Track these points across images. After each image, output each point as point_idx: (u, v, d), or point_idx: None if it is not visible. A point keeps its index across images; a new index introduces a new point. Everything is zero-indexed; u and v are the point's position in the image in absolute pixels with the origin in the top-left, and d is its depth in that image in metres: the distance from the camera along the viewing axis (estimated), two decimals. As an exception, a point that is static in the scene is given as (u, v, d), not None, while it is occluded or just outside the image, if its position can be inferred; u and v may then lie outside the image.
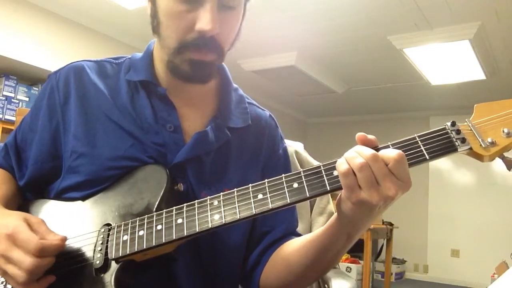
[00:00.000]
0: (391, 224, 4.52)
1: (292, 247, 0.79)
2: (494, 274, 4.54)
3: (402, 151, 0.60)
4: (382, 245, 4.79)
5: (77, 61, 0.85)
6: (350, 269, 4.53)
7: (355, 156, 0.60)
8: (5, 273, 0.66)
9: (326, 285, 1.26)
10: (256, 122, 0.89)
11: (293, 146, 1.44)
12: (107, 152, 0.76)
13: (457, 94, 5.28)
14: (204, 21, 0.70)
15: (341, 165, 0.60)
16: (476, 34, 3.46)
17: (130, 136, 0.77)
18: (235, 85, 0.91)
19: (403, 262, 5.86)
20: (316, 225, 1.39)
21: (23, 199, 0.86)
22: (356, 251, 4.59)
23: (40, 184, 0.83)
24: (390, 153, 0.58)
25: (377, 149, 0.62)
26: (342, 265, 4.49)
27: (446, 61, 4.10)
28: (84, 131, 0.78)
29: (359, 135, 0.63)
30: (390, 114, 6.46)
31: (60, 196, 0.80)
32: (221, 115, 0.84)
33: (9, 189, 0.83)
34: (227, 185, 0.79)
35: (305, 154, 1.45)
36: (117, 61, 0.87)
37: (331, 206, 1.42)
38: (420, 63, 4.16)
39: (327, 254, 0.74)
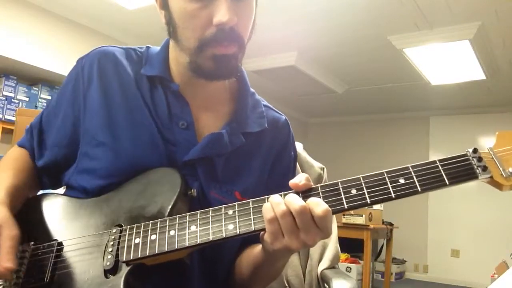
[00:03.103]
0: (391, 224, 4.52)
1: (242, 259, 0.82)
2: (494, 274, 4.54)
3: (422, 174, 0.61)
4: (382, 245, 4.79)
5: (104, 46, 0.85)
6: (350, 269, 4.53)
7: (279, 202, 0.61)
8: None
9: (326, 285, 1.26)
10: (272, 125, 0.89)
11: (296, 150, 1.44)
12: (128, 145, 0.76)
13: (457, 94, 5.28)
14: (221, 13, 0.70)
15: (267, 212, 0.61)
16: (476, 34, 3.46)
17: (149, 130, 0.77)
18: (252, 90, 0.90)
19: (403, 262, 5.86)
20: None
21: (40, 185, 0.87)
22: (356, 251, 4.59)
23: (57, 168, 0.84)
24: (318, 209, 0.59)
25: (309, 194, 0.63)
26: (342, 265, 4.49)
27: (446, 61, 4.10)
28: (107, 120, 0.78)
29: (291, 183, 0.64)
30: (390, 114, 6.46)
31: (71, 181, 0.80)
32: (236, 119, 0.83)
33: (22, 178, 0.83)
34: (238, 187, 0.79)
35: (304, 154, 1.45)
36: (140, 50, 0.87)
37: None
38: (420, 63, 4.16)
39: (262, 271, 0.77)
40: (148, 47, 0.87)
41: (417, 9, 3.22)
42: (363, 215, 3.96)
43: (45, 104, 3.34)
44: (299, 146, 1.51)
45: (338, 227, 1.45)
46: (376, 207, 4.30)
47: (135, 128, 0.77)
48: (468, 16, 3.30)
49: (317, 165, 1.44)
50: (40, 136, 0.86)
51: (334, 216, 1.43)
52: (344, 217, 4.02)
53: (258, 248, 0.75)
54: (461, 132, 5.85)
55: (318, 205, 0.60)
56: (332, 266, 1.33)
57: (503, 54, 3.98)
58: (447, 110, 5.95)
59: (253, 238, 0.69)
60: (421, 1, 3.11)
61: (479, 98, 5.42)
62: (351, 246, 4.51)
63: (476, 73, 4.31)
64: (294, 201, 0.60)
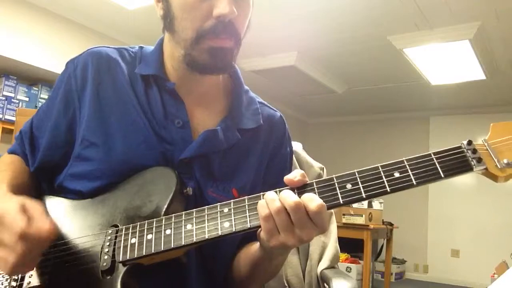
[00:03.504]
0: (391, 224, 4.52)
1: (240, 256, 0.82)
2: (494, 274, 4.54)
3: (417, 167, 0.61)
4: (382, 245, 4.79)
5: (96, 47, 0.84)
6: (350, 269, 4.53)
7: (274, 198, 0.61)
8: None
9: (326, 285, 1.26)
10: (268, 122, 0.89)
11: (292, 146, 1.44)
12: (119, 145, 0.76)
13: (457, 94, 5.28)
14: (221, 5, 0.71)
15: (262, 209, 0.61)
16: (476, 34, 3.46)
17: (143, 130, 0.77)
18: (246, 87, 0.91)
19: (403, 262, 5.86)
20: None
21: (37, 191, 0.85)
22: (356, 251, 4.59)
23: (51, 170, 0.83)
24: (312, 205, 0.59)
25: (304, 190, 0.63)
26: (342, 265, 4.49)
27: (446, 61, 4.10)
28: (98, 120, 0.78)
29: (286, 179, 0.64)
30: (390, 114, 6.46)
31: (65, 183, 0.79)
32: (231, 116, 0.84)
33: (22, 179, 0.82)
34: (236, 184, 0.79)
35: (303, 154, 1.45)
36: (132, 50, 0.86)
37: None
38: (420, 63, 4.15)
39: (260, 268, 0.77)
40: (141, 47, 0.87)
41: (417, 9, 3.22)
42: (363, 215, 3.96)
43: (45, 104, 3.34)
44: (298, 146, 1.51)
45: (338, 227, 1.45)
46: (376, 207, 4.30)
47: (129, 129, 0.77)
48: (468, 16, 3.30)
49: (316, 165, 1.44)
50: (31, 142, 0.85)
51: (334, 216, 1.44)
52: (344, 217, 4.02)
53: (256, 245, 0.75)
54: (461, 132, 5.84)
55: (312, 200, 0.60)
56: (332, 266, 1.33)
57: (503, 54, 3.98)
58: (447, 110, 5.95)
59: (252, 235, 0.69)
60: (421, 1, 3.11)
61: (479, 98, 5.42)
62: (351, 246, 4.50)
63: (476, 73, 4.31)
64: (288, 197, 0.60)
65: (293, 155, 1.43)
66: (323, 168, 1.45)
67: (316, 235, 0.61)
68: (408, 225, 5.72)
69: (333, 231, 1.41)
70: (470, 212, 5.70)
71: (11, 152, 0.88)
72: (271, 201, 0.61)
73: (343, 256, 4.55)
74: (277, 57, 4.29)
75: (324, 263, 1.32)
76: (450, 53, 3.86)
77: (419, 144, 6.08)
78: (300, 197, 0.60)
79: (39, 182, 0.86)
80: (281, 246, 0.62)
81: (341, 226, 3.90)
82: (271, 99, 5.66)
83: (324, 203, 0.60)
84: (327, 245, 1.37)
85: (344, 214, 4.02)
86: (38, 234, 0.63)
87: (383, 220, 4.42)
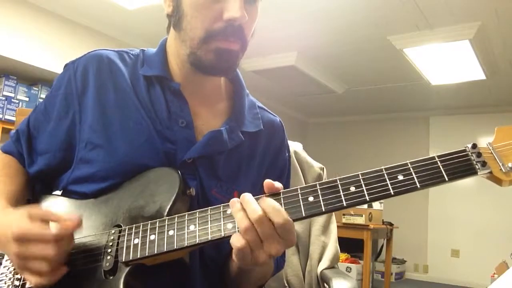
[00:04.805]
0: (391, 224, 4.52)
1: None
2: (494, 274, 4.54)
3: (421, 170, 0.61)
4: (382, 245, 4.79)
5: (97, 50, 0.84)
6: (350, 269, 4.53)
7: (242, 217, 0.60)
8: (26, 270, 0.65)
9: (326, 285, 1.26)
10: (267, 127, 0.90)
11: (292, 146, 1.44)
12: (122, 145, 0.76)
13: (457, 94, 5.28)
14: (233, 9, 0.72)
15: (242, 220, 0.60)
16: (476, 34, 3.46)
17: (146, 130, 0.77)
18: (246, 91, 0.91)
19: (403, 262, 5.86)
20: (315, 225, 1.39)
21: (32, 193, 0.85)
22: (356, 251, 4.59)
23: (50, 174, 0.83)
24: (277, 219, 0.59)
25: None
26: (342, 265, 4.49)
27: (446, 61, 4.10)
28: (101, 123, 0.78)
29: (267, 183, 0.64)
30: (390, 114, 6.46)
31: (70, 187, 0.79)
32: (235, 117, 0.84)
33: (17, 184, 0.82)
34: (239, 187, 0.80)
35: (304, 154, 1.45)
36: (132, 53, 0.86)
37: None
38: (420, 63, 4.15)
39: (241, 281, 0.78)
40: (142, 50, 0.87)
41: (417, 9, 3.22)
42: (363, 215, 3.96)
43: (45, 104, 3.33)
44: (298, 146, 1.51)
45: (338, 227, 1.45)
46: (376, 207, 4.30)
47: (131, 129, 0.77)
48: (468, 16, 3.30)
49: (316, 165, 1.44)
50: (29, 142, 0.84)
51: (334, 216, 1.44)
52: (344, 217, 4.02)
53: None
54: (461, 132, 5.84)
55: (277, 214, 0.59)
56: (332, 266, 1.33)
57: (503, 54, 3.98)
58: (447, 110, 5.95)
59: None
60: (421, 1, 3.11)
61: (479, 98, 5.42)
62: (351, 246, 4.51)
63: (476, 73, 4.31)
64: (252, 212, 0.59)
65: (293, 155, 1.43)
66: (323, 168, 1.45)
67: (283, 248, 0.61)
68: (408, 225, 5.72)
69: (333, 231, 1.41)
70: (470, 212, 5.70)
71: (6, 151, 0.87)
72: (240, 220, 0.60)
73: (343, 256, 4.55)
74: (277, 57, 4.29)
75: (324, 263, 1.32)
76: (450, 53, 3.86)
77: (419, 144, 6.08)
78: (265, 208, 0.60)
79: (32, 182, 0.86)
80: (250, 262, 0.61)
81: (341, 226, 3.90)
82: (271, 99, 5.68)
83: (291, 220, 0.60)
84: (327, 245, 1.37)
85: (344, 214, 4.03)
86: (71, 227, 0.66)
87: (383, 220, 4.42)
